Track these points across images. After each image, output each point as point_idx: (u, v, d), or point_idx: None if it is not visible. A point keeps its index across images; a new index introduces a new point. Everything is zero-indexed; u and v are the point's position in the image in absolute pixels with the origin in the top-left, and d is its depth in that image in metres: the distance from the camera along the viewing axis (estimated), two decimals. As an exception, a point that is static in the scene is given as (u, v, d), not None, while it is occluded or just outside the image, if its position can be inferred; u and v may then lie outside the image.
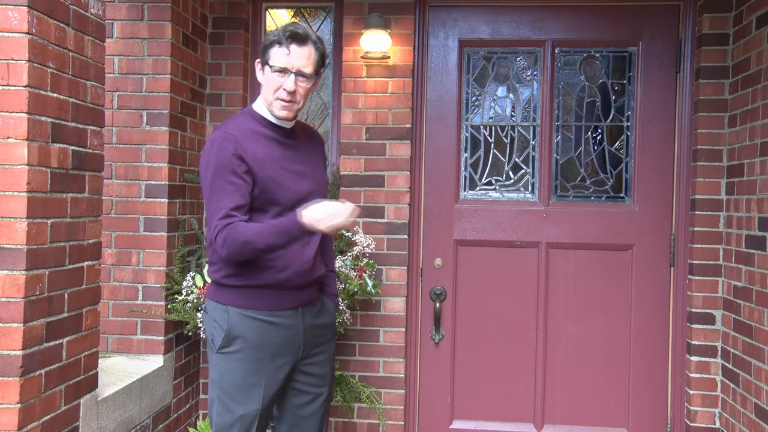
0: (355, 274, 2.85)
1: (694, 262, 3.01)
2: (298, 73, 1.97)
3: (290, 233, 1.92)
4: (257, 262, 2.00)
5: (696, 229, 3.01)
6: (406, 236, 3.11)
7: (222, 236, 1.92)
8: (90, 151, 2.15)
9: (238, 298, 2.02)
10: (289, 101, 1.99)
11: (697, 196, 3.00)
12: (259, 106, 2.08)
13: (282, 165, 2.03)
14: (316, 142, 2.23)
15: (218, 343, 2.03)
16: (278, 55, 1.97)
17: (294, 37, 1.96)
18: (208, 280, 2.72)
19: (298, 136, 2.13)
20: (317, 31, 3.28)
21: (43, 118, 1.91)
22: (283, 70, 1.97)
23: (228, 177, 1.93)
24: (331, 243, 2.33)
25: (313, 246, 2.07)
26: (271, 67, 1.98)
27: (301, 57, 1.97)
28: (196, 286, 2.73)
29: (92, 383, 2.23)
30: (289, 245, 1.97)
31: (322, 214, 1.88)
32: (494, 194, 3.21)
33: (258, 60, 2.04)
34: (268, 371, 2.03)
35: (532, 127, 3.19)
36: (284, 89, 1.97)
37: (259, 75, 2.04)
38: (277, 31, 1.99)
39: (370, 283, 2.86)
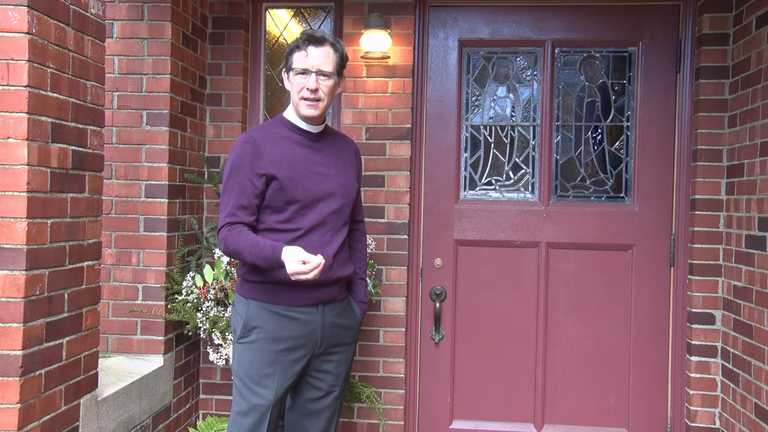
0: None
1: (694, 262, 3.01)
2: (319, 72, 2.09)
3: (269, 262, 2.01)
4: None
5: (696, 229, 3.01)
6: (406, 236, 3.11)
7: (222, 235, 2.09)
8: (90, 151, 2.15)
9: (258, 292, 2.13)
10: (313, 99, 2.10)
11: (697, 196, 3.00)
12: (289, 113, 2.20)
13: (303, 165, 2.13)
14: (347, 149, 2.31)
15: (238, 333, 2.14)
16: (299, 59, 2.11)
17: (311, 39, 2.10)
18: (209, 280, 2.73)
19: (326, 141, 2.23)
20: (317, 31, 3.29)
21: (43, 118, 1.91)
22: (305, 71, 2.09)
23: (239, 177, 2.08)
24: (364, 250, 2.41)
25: (334, 245, 2.16)
26: (293, 70, 2.11)
27: (320, 56, 2.09)
28: (196, 286, 2.73)
29: (92, 383, 2.23)
30: (267, 266, 2.04)
31: (289, 264, 1.94)
32: (494, 194, 3.21)
33: (283, 69, 2.18)
34: (284, 363, 2.10)
35: (532, 127, 3.19)
36: (307, 88, 2.09)
37: (286, 83, 2.18)
38: (296, 39, 2.15)
39: (370, 283, 2.86)
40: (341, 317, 2.23)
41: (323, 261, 1.96)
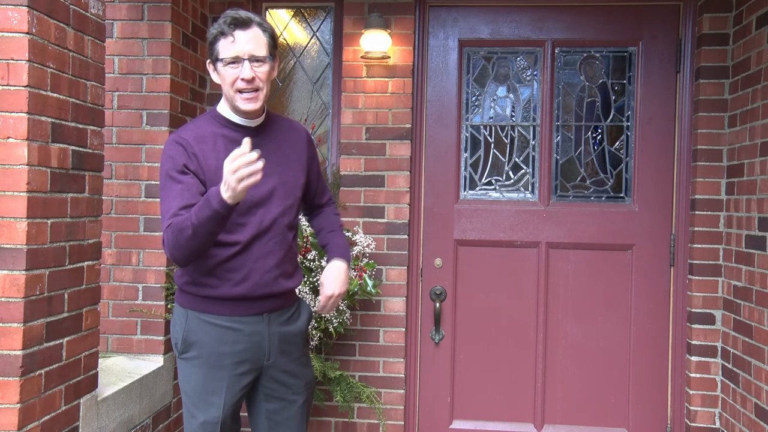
0: (355, 274, 2.85)
1: (694, 262, 3.01)
2: (252, 59, 1.84)
3: (209, 202, 1.71)
4: (215, 273, 1.91)
5: (696, 229, 3.01)
6: (406, 236, 3.11)
7: (165, 237, 1.83)
8: (90, 151, 2.15)
9: (198, 302, 1.96)
10: (251, 90, 1.86)
11: (697, 196, 3.00)
12: (222, 108, 1.97)
13: None
14: (295, 139, 2.05)
15: (179, 348, 1.98)
16: (225, 46, 1.85)
17: (236, 22, 1.83)
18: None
19: (267, 133, 1.98)
20: (317, 31, 3.28)
21: (43, 118, 1.91)
22: (236, 60, 1.84)
23: (177, 177, 1.85)
24: (337, 218, 2.20)
25: (278, 254, 1.95)
26: (222, 60, 1.85)
27: (250, 41, 1.84)
28: (196, 286, 2.73)
29: (92, 383, 2.23)
30: (215, 222, 1.73)
31: (229, 183, 1.66)
32: (494, 194, 3.21)
33: (208, 61, 1.92)
34: (229, 379, 1.94)
35: (532, 127, 3.19)
36: (242, 78, 1.84)
37: (214, 76, 1.92)
38: (218, 23, 1.86)
39: (370, 283, 2.86)
40: (289, 324, 2.04)
41: (247, 141, 1.67)
